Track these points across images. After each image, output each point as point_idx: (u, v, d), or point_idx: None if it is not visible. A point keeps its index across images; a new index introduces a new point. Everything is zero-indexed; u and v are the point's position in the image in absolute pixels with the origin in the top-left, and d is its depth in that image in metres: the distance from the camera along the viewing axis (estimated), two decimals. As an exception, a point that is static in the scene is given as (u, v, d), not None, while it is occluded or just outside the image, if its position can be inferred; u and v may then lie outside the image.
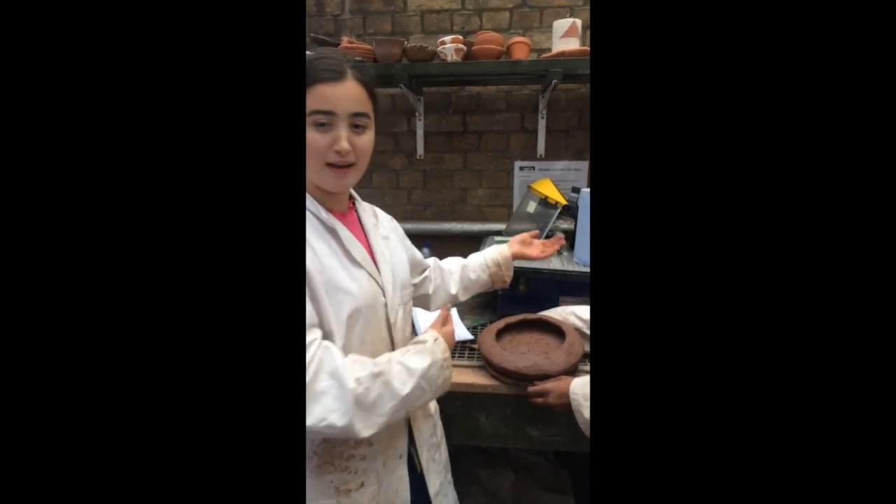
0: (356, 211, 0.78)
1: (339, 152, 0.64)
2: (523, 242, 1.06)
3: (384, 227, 0.81)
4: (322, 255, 0.65)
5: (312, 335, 0.61)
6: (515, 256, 1.04)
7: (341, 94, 0.63)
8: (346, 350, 0.66)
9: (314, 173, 0.66)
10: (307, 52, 0.62)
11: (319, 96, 0.62)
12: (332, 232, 0.68)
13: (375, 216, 0.82)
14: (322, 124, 0.63)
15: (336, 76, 0.63)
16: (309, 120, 0.62)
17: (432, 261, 0.98)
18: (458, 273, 1.00)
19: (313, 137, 0.63)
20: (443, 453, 0.87)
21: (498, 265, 1.01)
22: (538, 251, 1.06)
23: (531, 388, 0.88)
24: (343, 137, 0.64)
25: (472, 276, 1.01)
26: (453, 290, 0.99)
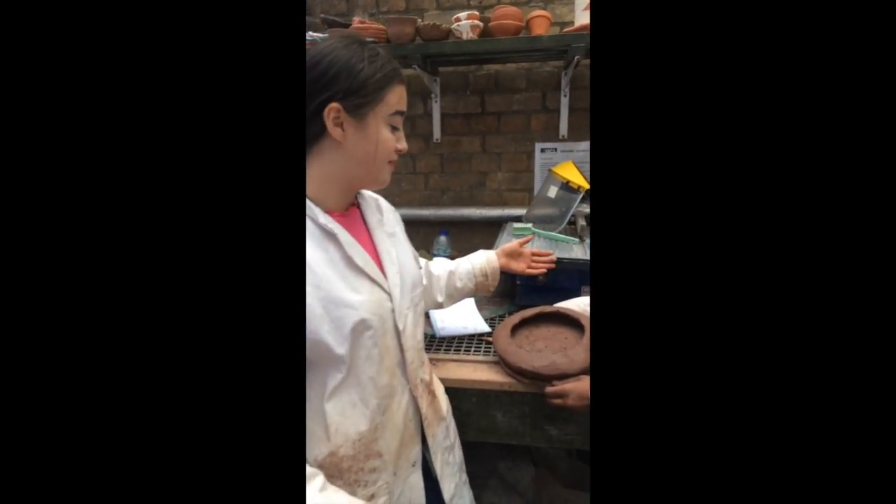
0: (359, 206, 0.73)
1: (401, 151, 0.67)
2: (511, 254, 1.03)
3: (389, 223, 0.76)
4: (319, 266, 0.60)
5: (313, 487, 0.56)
6: (501, 269, 1.00)
7: (406, 95, 0.66)
8: (352, 365, 0.63)
9: (376, 170, 0.67)
10: (356, 47, 0.62)
11: (399, 96, 0.64)
12: (332, 237, 0.63)
13: (380, 210, 0.76)
14: (396, 126, 0.66)
15: (401, 77, 0.65)
16: (387, 120, 0.64)
17: (423, 262, 0.93)
18: (444, 279, 0.96)
19: (388, 137, 0.65)
20: (457, 455, 0.85)
21: (485, 275, 0.98)
22: (524, 266, 1.03)
23: (549, 389, 0.84)
24: (403, 136, 0.67)
25: (459, 284, 0.97)
26: (439, 298, 0.96)
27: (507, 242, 1.28)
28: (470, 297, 1.00)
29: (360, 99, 0.60)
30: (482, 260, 0.99)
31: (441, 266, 0.98)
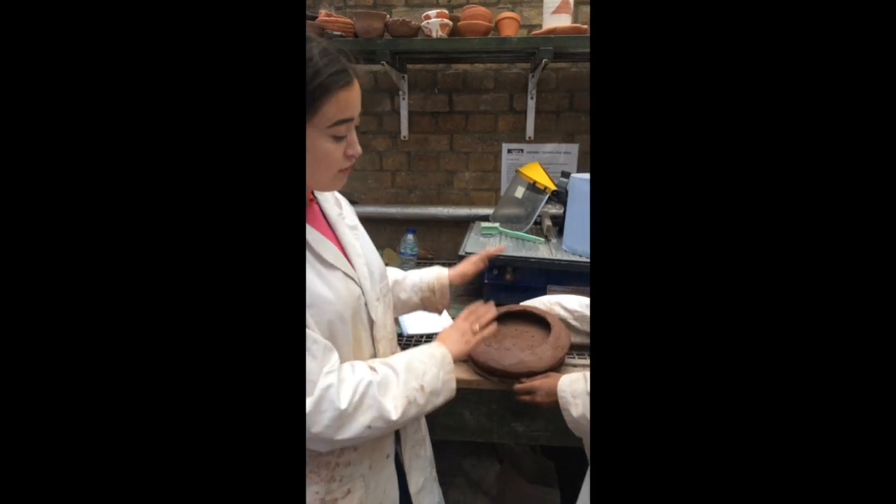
0: (317, 202, 0.72)
1: (353, 156, 0.61)
2: (464, 275, 0.94)
3: (350, 216, 0.75)
4: None
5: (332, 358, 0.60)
6: (455, 281, 0.92)
7: (356, 99, 0.59)
8: None
9: (324, 182, 0.62)
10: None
11: (343, 104, 0.56)
12: None
13: (339, 205, 0.75)
14: (342, 136, 0.58)
15: (349, 78, 0.57)
16: (327, 132, 0.57)
17: None
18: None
19: (330, 149, 0.58)
20: (427, 449, 0.85)
21: (432, 291, 0.90)
22: (472, 265, 0.94)
23: (518, 387, 0.85)
24: (356, 142, 0.61)
25: (403, 295, 0.90)
26: None
27: (474, 241, 1.29)
28: (416, 311, 0.94)
29: None
30: (431, 275, 0.92)
31: (388, 275, 0.89)
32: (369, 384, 0.61)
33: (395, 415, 0.62)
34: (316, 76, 0.54)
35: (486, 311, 0.80)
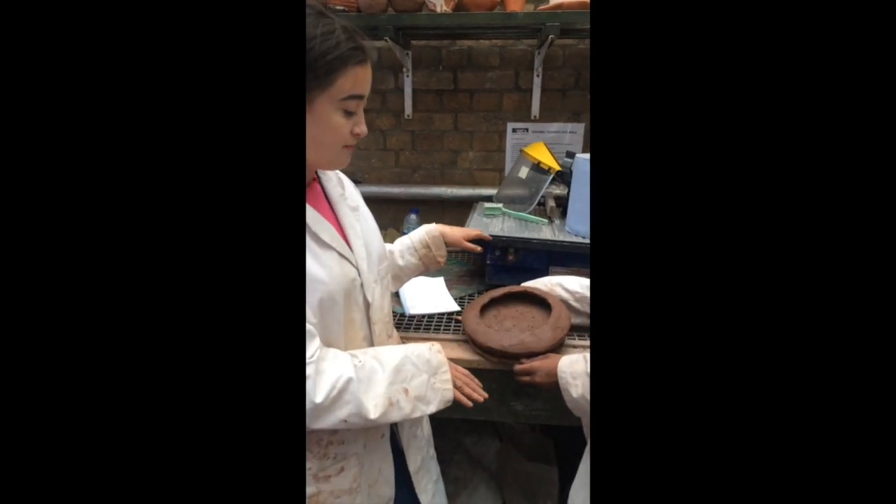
0: (319, 181, 0.72)
1: (359, 135, 0.62)
2: (466, 234, 1.00)
3: (352, 197, 0.75)
4: None
5: (313, 347, 0.60)
6: (448, 239, 0.97)
7: (368, 78, 0.61)
8: (320, 336, 0.63)
9: (329, 155, 0.63)
10: (311, 21, 0.56)
11: (357, 80, 0.59)
12: None
13: (342, 185, 0.75)
14: (352, 111, 0.60)
15: (364, 56, 0.59)
16: (339, 105, 0.59)
17: None
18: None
19: (340, 123, 0.60)
20: (425, 429, 0.86)
21: (426, 246, 0.94)
22: (461, 234, 1.00)
23: (518, 367, 0.85)
24: (363, 121, 0.62)
25: (401, 262, 0.93)
26: None
27: (477, 222, 1.28)
28: (419, 273, 0.96)
29: (306, 83, 0.56)
30: (421, 232, 0.96)
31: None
32: (349, 380, 0.61)
33: (373, 414, 0.62)
34: (336, 48, 0.56)
35: (477, 389, 0.79)
